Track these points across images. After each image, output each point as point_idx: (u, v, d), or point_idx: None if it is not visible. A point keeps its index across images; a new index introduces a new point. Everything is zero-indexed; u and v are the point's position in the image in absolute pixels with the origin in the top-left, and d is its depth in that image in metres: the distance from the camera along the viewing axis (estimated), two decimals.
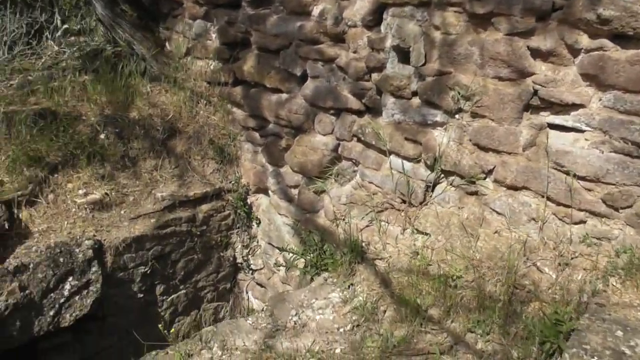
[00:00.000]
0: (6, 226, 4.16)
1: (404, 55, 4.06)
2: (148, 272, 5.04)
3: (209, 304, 5.81)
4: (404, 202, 4.28)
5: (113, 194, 5.04)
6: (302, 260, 4.87)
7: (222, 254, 5.71)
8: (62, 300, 4.37)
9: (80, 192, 4.88)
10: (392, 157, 4.28)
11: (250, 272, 5.84)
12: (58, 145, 5.01)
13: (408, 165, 4.18)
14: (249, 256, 5.78)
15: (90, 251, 4.52)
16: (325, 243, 4.82)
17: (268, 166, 5.42)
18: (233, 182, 5.64)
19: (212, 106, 5.91)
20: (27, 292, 4.15)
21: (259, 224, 5.67)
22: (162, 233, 5.06)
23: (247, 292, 5.96)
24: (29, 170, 4.83)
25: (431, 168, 4.08)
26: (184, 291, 5.48)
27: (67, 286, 4.41)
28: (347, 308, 3.92)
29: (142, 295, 5.08)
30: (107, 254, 4.71)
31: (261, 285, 5.84)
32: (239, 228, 5.74)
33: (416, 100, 4.08)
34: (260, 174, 5.50)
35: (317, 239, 4.86)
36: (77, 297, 4.47)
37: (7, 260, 4.10)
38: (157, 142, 5.51)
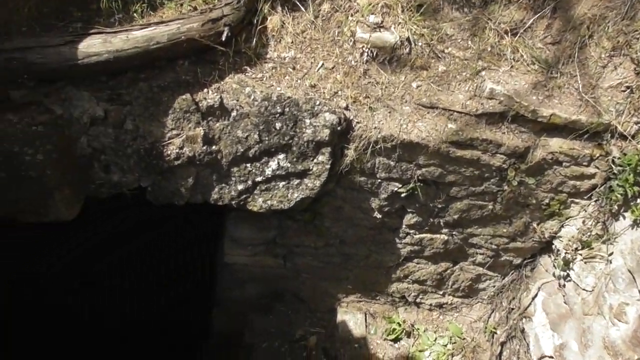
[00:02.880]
0: (225, 35, 2.44)
1: None
2: (403, 194, 2.98)
3: (472, 266, 3.62)
4: None
5: (420, 45, 2.76)
6: None
7: (535, 222, 3.18)
8: (258, 179, 2.78)
9: (372, 18, 2.74)
10: None
11: (564, 276, 3.25)
12: None
13: None
14: (578, 255, 3.11)
15: (327, 132, 2.61)
16: None
17: None
18: None
19: None
20: (213, 148, 2.62)
21: (637, 224, 2.78)
22: (452, 154, 2.76)
23: (538, 289, 3.49)
24: None
25: None
26: (445, 237, 3.35)
27: (273, 165, 2.73)
28: None
29: (379, 216, 3.17)
30: (351, 144, 2.74)
31: (566, 304, 3.27)
32: (593, 204, 2.98)
33: None
34: None
35: None
36: (281, 184, 2.81)
37: (205, 90, 2.51)
38: None
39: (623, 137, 2.71)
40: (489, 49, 2.76)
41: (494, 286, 3.76)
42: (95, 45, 2.22)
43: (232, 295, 3.88)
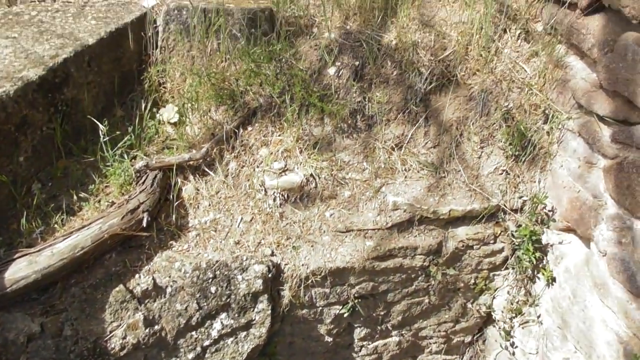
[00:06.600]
0: (145, 221, 2.61)
1: None
2: (345, 314, 3.15)
3: (430, 356, 3.77)
4: None
5: (323, 177, 3.07)
6: None
7: (469, 302, 3.44)
8: (206, 343, 2.84)
9: (276, 165, 3.03)
10: None
11: (511, 344, 3.49)
12: (263, 79, 3.15)
13: None
14: (515, 322, 3.38)
15: (260, 282, 2.78)
16: None
17: (608, 202, 2.67)
18: (526, 199, 3.09)
19: (528, 43, 3.19)
20: (156, 328, 2.69)
21: (550, 283, 3.12)
22: (377, 267, 3.01)
23: None
24: (218, 114, 3.15)
25: None
26: (398, 338, 3.51)
27: (217, 325, 2.83)
28: None
29: (330, 339, 3.29)
30: (285, 285, 2.91)
31: None
32: (511, 273, 3.31)
33: None
34: (583, 208, 2.80)
35: None
36: (229, 341, 2.89)
37: (137, 276, 2.62)
38: (414, 96, 3.20)
39: (515, 211, 3.10)
40: (383, 166, 3.12)
41: None
42: (21, 269, 2.30)
43: None
